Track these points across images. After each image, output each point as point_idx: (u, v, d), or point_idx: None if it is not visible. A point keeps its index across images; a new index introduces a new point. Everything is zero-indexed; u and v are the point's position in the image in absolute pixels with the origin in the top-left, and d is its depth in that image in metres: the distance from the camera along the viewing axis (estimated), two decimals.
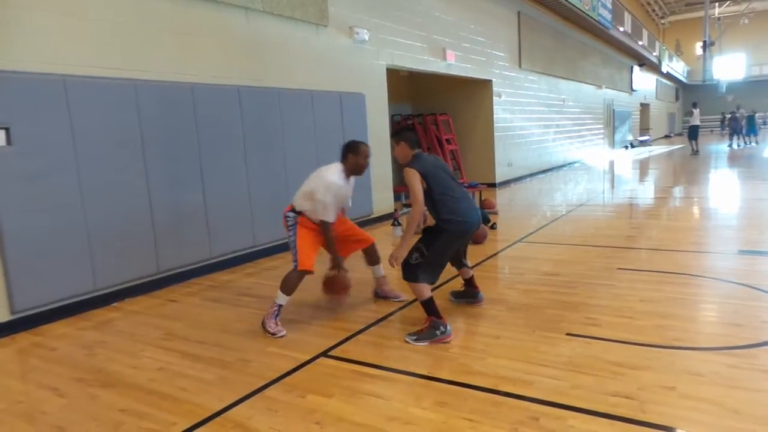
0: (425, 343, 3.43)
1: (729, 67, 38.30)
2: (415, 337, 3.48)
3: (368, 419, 2.61)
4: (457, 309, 4.10)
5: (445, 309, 3.74)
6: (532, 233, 7.00)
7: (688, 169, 15.10)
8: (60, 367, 3.47)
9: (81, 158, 4.53)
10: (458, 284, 4.36)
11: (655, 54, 27.94)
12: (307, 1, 6.79)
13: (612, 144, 23.13)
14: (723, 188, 10.95)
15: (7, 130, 4.09)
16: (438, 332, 3.45)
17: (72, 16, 4.50)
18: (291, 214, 3.98)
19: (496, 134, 12.26)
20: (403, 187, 9.66)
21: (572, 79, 17.36)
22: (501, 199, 10.60)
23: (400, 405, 2.73)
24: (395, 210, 7.91)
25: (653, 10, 38.79)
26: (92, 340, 3.95)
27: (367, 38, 7.85)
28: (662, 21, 41.36)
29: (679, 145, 24.77)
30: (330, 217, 3.83)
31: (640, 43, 24.26)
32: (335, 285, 4.10)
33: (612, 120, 22.93)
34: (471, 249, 4.05)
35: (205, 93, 5.57)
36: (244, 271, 5.79)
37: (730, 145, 22.27)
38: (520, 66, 13.48)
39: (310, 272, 3.89)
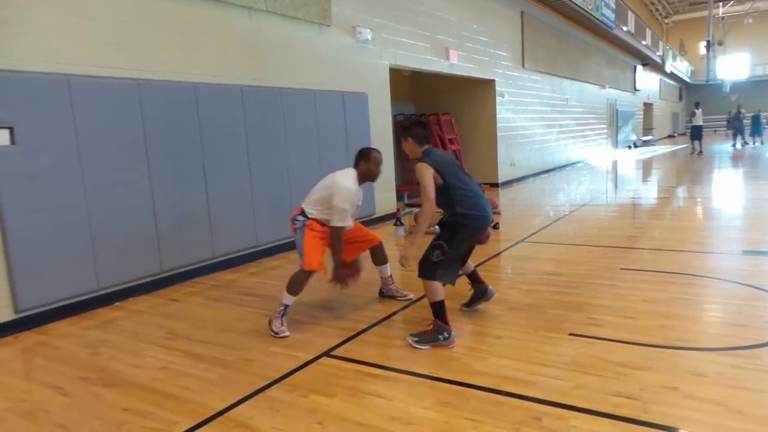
0: (426, 347, 3.37)
1: (733, 66, 38.17)
2: (416, 339, 3.43)
3: (370, 419, 2.61)
4: (460, 310, 4.09)
5: (449, 308, 3.69)
6: (534, 233, 6.99)
7: (691, 169, 15.06)
8: (63, 366, 3.48)
9: (84, 157, 4.54)
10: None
11: (658, 54, 27.87)
12: (310, 0, 6.80)
13: (615, 144, 23.08)
14: (727, 188, 10.91)
15: (10, 129, 4.10)
16: (441, 337, 3.38)
17: (75, 15, 4.51)
18: (300, 218, 3.98)
19: (498, 134, 12.25)
20: (406, 187, 9.70)
21: (575, 79, 17.33)
22: (504, 199, 10.59)
23: (402, 405, 2.73)
24: (398, 210, 7.91)
25: (657, 10, 38.68)
26: (96, 339, 3.96)
27: (370, 38, 7.85)
28: (666, 20, 41.25)
29: (682, 145, 24.70)
30: (347, 222, 3.85)
31: (644, 42, 24.19)
32: (348, 268, 4.03)
33: (615, 120, 22.87)
34: (473, 249, 4.01)
35: (207, 92, 5.58)
36: (246, 271, 5.79)
37: (733, 145, 22.20)
38: (523, 66, 13.46)
39: (316, 272, 3.89)
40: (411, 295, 4.42)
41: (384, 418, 2.61)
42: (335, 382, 3.02)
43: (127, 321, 4.35)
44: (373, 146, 4.07)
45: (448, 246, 3.41)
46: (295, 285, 3.84)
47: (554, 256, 5.76)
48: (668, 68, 31.09)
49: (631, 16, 21.70)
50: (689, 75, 39.97)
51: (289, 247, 6.22)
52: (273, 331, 3.79)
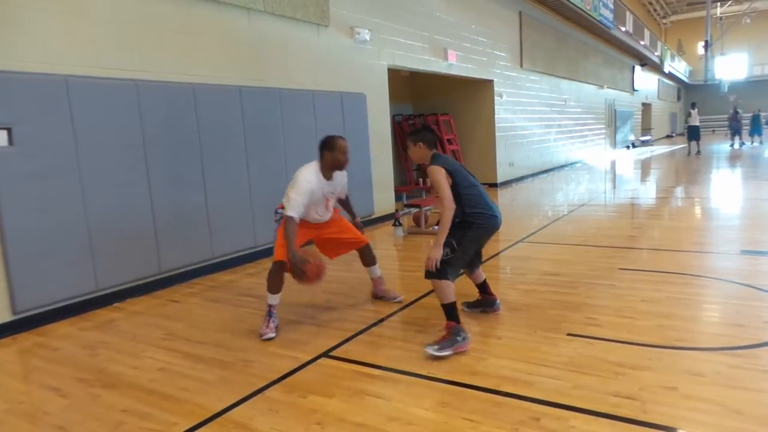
0: (449, 352, 3.23)
1: (731, 66, 38.23)
2: (437, 347, 3.26)
3: (369, 419, 2.61)
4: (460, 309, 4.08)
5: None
6: (533, 233, 7.00)
7: (689, 169, 15.08)
8: (62, 368, 3.48)
9: (83, 158, 4.54)
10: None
11: (656, 54, 27.90)
12: (309, 1, 6.80)
13: (613, 144, 23.11)
14: (725, 188, 10.92)
15: (9, 130, 4.09)
16: (459, 338, 3.29)
17: (74, 16, 4.51)
18: (279, 211, 3.94)
19: (497, 134, 12.26)
20: (405, 187, 9.68)
21: (574, 79, 17.35)
22: (502, 199, 10.60)
23: (401, 405, 2.73)
24: (396, 210, 7.91)
25: (655, 10, 38.74)
26: (94, 340, 3.96)
27: (368, 38, 7.86)
28: (664, 21, 41.31)
29: (681, 145, 24.71)
30: (292, 211, 3.68)
31: (642, 42, 24.22)
32: (308, 269, 3.68)
33: (614, 120, 22.90)
34: (482, 255, 3.98)
35: (206, 93, 5.58)
36: (245, 272, 5.79)
37: (732, 145, 22.23)
38: (521, 66, 13.47)
39: (285, 263, 3.77)
40: (401, 298, 4.38)
41: (383, 418, 2.61)
42: (334, 383, 3.02)
43: (125, 322, 4.35)
44: (338, 135, 3.94)
45: (457, 244, 3.39)
46: (272, 281, 3.80)
47: (553, 256, 5.77)
48: (666, 68, 31.13)
49: (629, 17, 21.73)
50: (687, 75, 40.03)
51: None
52: (258, 333, 3.78)
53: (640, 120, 28.77)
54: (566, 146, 17.14)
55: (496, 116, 12.19)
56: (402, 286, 5.02)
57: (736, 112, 22.79)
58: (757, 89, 37.17)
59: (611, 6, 18.04)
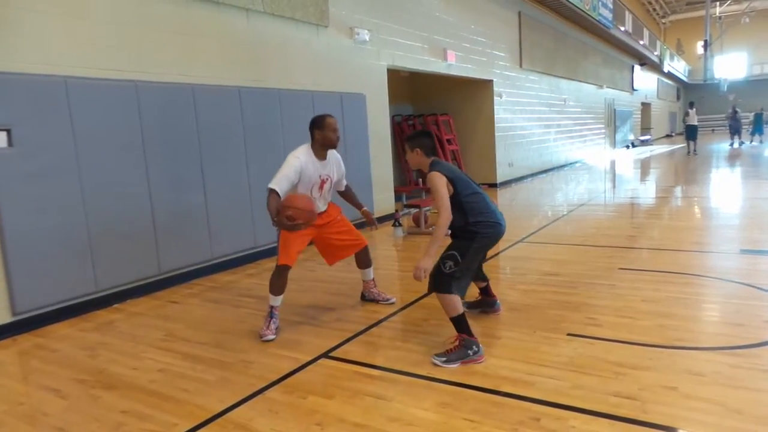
0: (455, 365, 3.13)
1: (730, 66, 38.25)
2: (444, 359, 3.16)
3: (369, 420, 2.60)
4: None
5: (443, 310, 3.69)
6: (533, 233, 7.00)
7: (689, 168, 15.08)
8: (61, 369, 3.47)
9: (82, 159, 4.54)
10: None
11: (656, 53, 27.92)
12: (308, 1, 6.80)
13: (613, 144, 23.12)
14: (724, 187, 10.93)
15: (8, 131, 4.09)
16: (470, 352, 3.16)
17: (73, 17, 4.51)
18: None
19: (497, 134, 12.26)
20: (404, 188, 9.68)
21: (573, 79, 17.35)
22: (502, 199, 10.60)
23: (401, 406, 2.72)
24: (396, 211, 7.91)
25: (654, 10, 38.76)
26: (94, 341, 3.96)
27: (367, 39, 7.86)
28: (663, 20, 41.33)
29: (680, 145, 24.72)
30: (273, 184, 3.62)
31: (641, 42, 24.23)
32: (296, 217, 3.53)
33: (613, 119, 22.91)
34: (485, 259, 3.95)
35: (206, 94, 5.58)
36: (245, 272, 5.79)
37: (731, 145, 22.24)
38: (520, 66, 13.47)
39: (290, 267, 3.80)
40: (394, 299, 4.36)
41: (383, 419, 2.61)
42: (334, 384, 3.02)
43: (125, 323, 4.35)
44: (331, 118, 3.86)
45: (461, 257, 3.25)
46: (275, 283, 3.80)
47: (553, 256, 5.77)
48: (666, 68, 31.15)
49: (628, 16, 21.75)
50: (687, 74, 40.06)
51: None
52: (259, 334, 3.78)
53: (639, 119, 28.78)
54: (566, 146, 17.15)
55: (495, 116, 12.19)
56: (401, 286, 5.03)
57: (735, 112, 22.80)
58: (756, 88, 37.19)
59: (610, 6, 18.04)
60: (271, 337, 3.73)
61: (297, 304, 4.46)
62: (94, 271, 4.65)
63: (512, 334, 3.58)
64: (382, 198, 8.39)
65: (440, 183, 3.25)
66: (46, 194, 4.31)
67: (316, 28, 7.04)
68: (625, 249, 5.91)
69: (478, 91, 12.10)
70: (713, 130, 35.74)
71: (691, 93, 39.63)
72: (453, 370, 3.08)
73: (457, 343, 3.21)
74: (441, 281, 3.22)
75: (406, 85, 12.39)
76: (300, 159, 3.75)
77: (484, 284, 3.93)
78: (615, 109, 23.01)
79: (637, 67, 26.12)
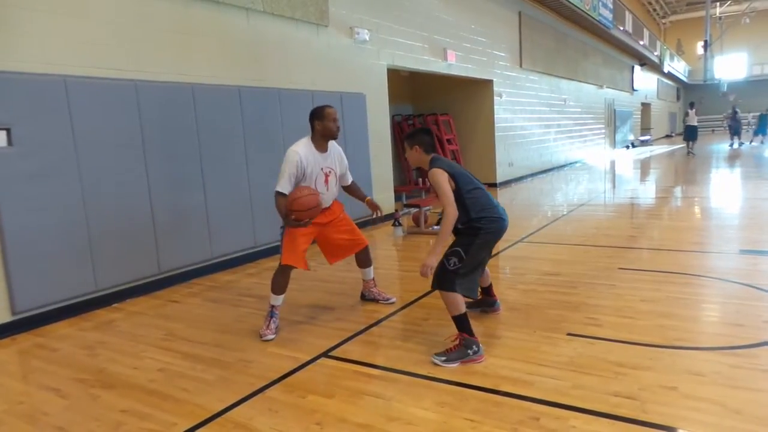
0: (455, 364, 3.12)
1: (730, 66, 38.26)
2: (444, 358, 3.16)
3: (369, 419, 2.60)
4: None
5: (443, 309, 3.68)
6: (533, 233, 7.00)
7: (689, 168, 15.08)
8: (61, 368, 3.47)
9: (82, 159, 4.54)
10: None
11: (656, 54, 27.92)
12: (308, 1, 6.80)
13: (613, 144, 23.12)
14: (724, 188, 10.93)
15: (8, 131, 4.09)
16: (470, 351, 3.15)
17: (73, 16, 4.51)
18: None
19: (497, 134, 12.26)
20: (404, 187, 9.68)
21: (573, 79, 17.35)
22: (502, 199, 10.59)
23: (400, 405, 2.72)
24: (396, 210, 7.91)
25: (654, 10, 38.77)
26: (93, 340, 3.96)
27: (367, 38, 7.86)
28: (663, 20, 41.34)
29: (680, 145, 24.72)
30: (279, 186, 3.66)
31: (641, 42, 24.24)
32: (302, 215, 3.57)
33: (613, 120, 22.91)
34: (491, 255, 3.93)
35: (205, 93, 5.57)
36: (245, 272, 5.79)
37: (731, 145, 22.24)
38: (521, 66, 13.47)
39: (294, 267, 3.78)
40: (394, 299, 4.36)
41: (383, 418, 2.61)
42: (334, 383, 3.02)
43: (125, 322, 4.35)
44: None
45: (465, 253, 3.19)
46: (276, 282, 3.80)
47: (552, 256, 5.77)
48: (666, 68, 31.15)
49: (628, 16, 21.75)
50: (687, 75, 40.07)
51: None
52: (259, 333, 3.78)
53: (639, 120, 28.78)
54: (566, 146, 17.15)
55: (495, 116, 12.19)
56: (401, 286, 5.03)
57: (735, 112, 22.80)
58: (756, 89, 37.19)
59: (610, 6, 18.05)
60: (271, 336, 3.73)
61: (297, 303, 4.46)
62: (93, 271, 4.65)
63: (512, 334, 3.58)
64: (382, 198, 8.38)
65: (443, 179, 3.22)
66: (45, 193, 4.31)
67: (316, 28, 7.04)
68: (625, 249, 5.91)
69: (478, 91, 12.10)
70: (713, 130, 35.75)
71: (691, 93, 39.63)
72: (453, 370, 3.08)
73: (457, 342, 3.21)
74: (444, 278, 3.20)
75: (406, 85, 12.39)
76: (299, 153, 3.73)
77: (487, 283, 3.92)
78: (615, 110, 23.01)
79: (637, 68, 26.12)
